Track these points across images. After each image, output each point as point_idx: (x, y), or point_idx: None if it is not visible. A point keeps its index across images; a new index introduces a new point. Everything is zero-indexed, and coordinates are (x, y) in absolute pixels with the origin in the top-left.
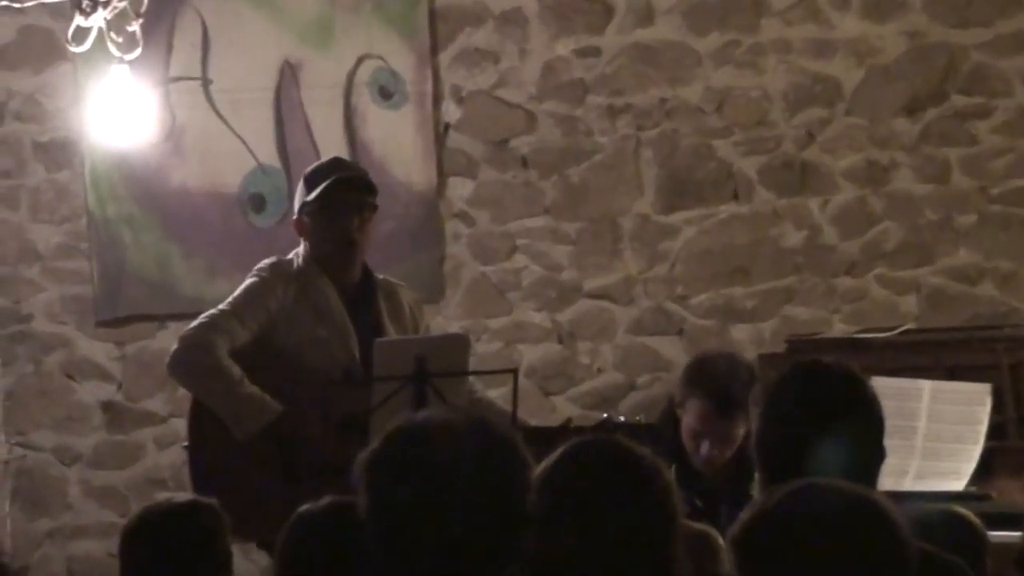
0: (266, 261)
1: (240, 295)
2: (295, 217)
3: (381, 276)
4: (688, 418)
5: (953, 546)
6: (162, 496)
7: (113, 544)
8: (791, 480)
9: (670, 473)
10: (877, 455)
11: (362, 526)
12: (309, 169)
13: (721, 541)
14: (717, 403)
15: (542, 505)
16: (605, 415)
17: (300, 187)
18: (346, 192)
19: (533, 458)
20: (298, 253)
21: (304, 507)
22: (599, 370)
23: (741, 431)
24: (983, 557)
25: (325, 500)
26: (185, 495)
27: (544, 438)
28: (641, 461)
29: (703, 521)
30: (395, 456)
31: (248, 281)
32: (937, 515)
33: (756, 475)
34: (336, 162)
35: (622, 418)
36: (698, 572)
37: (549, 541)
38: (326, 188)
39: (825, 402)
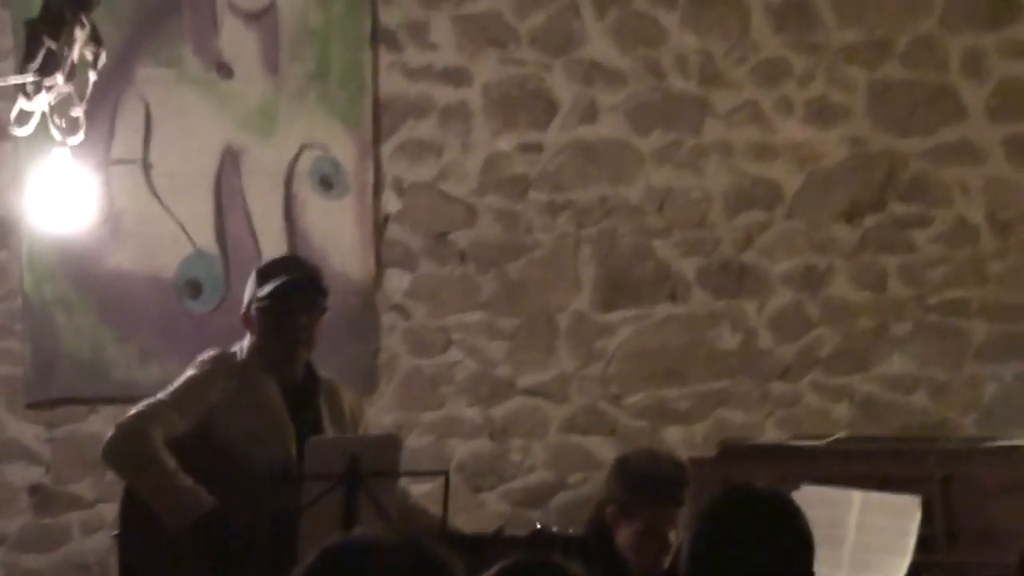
0: (209, 352)
1: (180, 386)
2: (243, 310)
3: (323, 375)
4: (636, 523)
5: None
6: None
7: None
8: None
9: None
10: None
11: None
12: (263, 264)
13: None
14: (669, 499)
15: None
16: (538, 526)
17: (251, 280)
18: (297, 292)
19: (464, 569)
20: (242, 347)
21: None
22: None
23: (675, 540)
24: None
25: None
26: None
27: (475, 547)
28: None
29: None
30: (328, 573)
31: (189, 372)
32: None
33: None
34: (289, 260)
35: (555, 529)
36: None
37: None
38: (277, 287)
39: (756, 529)
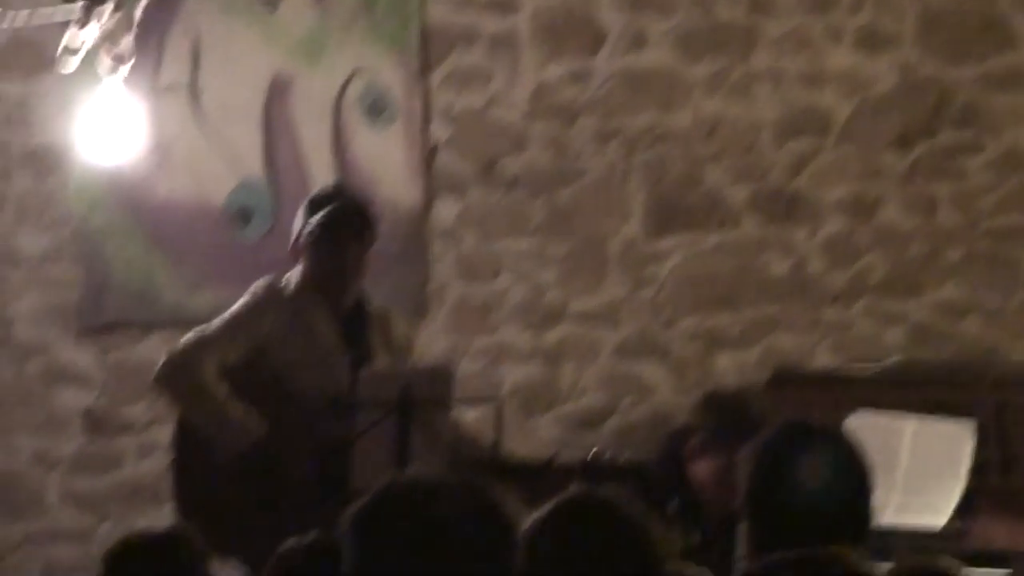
0: (261, 282)
1: (232, 315)
2: (293, 241)
3: (375, 304)
4: (722, 459)
5: None
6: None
7: (89, 550)
8: (777, 537)
9: (659, 528)
10: (865, 521)
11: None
12: (312, 194)
13: None
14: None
15: (529, 565)
16: (593, 451)
17: (301, 211)
18: (346, 221)
19: (516, 496)
20: (294, 276)
21: (288, 544)
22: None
23: None
24: None
25: (309, 536)
26: (163, 526)
27: (529, 475)
28: (629, 520)
29: (705, 554)
30: (383, 513)
31: (241, 301)
32: (923, 570)
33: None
34: (339, 190)
35: (608, 455)
36: None
37: None
38: (326, 216)
39: (814, 468)
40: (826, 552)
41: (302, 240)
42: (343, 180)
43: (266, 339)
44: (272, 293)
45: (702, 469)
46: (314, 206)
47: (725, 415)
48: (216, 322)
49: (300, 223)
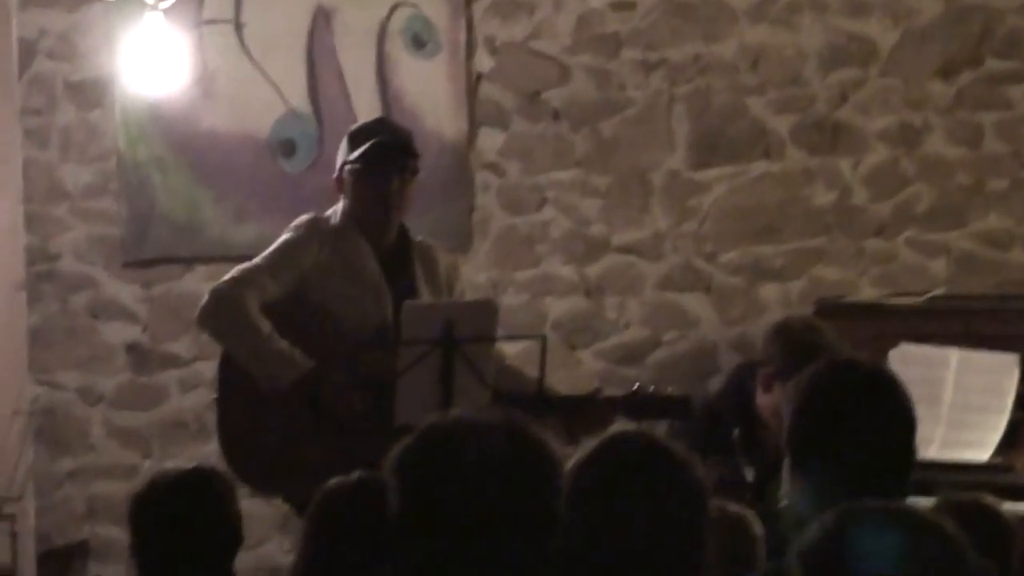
0: (303, 217)
1: (275, 251)
2: (335, 174)
3: (419, 238)
4: (778, 399)
5: (980, 542)
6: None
7: (134, 485)
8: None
9: (702, 467)
10: (909, 458)
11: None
12: (353, 127)
13: (756, 524)
14: None
15: (572, 505)
16: (636, 385)
17: (343, 144)
18: (388, 154)
19: (562, 429)
20: (336, 210)
21: (333, 482)
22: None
23: None
24: (1010, 554)
25: (354, 475)
26: (189, 463)
27: (573, 408)
28: (672, 458)
29: (760, 488)
30: (427, 455)
31: (284, 236)
32: (965, 507)
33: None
34: (381, 123)
35: (652, 388)
36: (731, 555)
37: (579, 541)
38: (368, 149)
39: (858, 407)
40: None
41: (344, 173)
42: (386, 113)
43: (309, 274)
44: (314, 228)
45: (770, 399)
46: (356, 139)
47: (795, 345)
48: (258, 258)
49: (342, 156)
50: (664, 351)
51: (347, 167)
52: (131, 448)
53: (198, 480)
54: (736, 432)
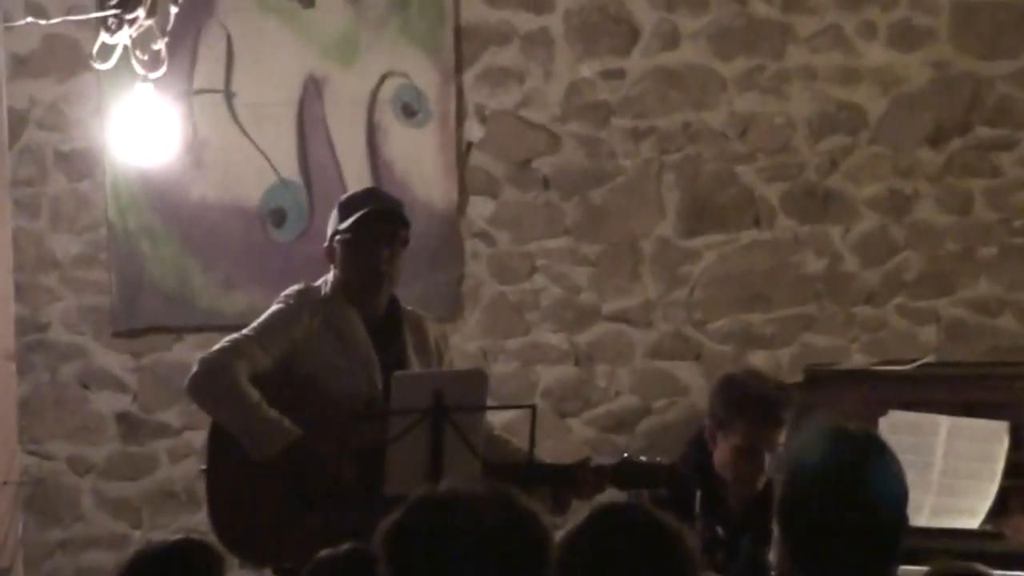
0: (293, 288)
1: (265, 321)
2: (326, 244)
3: (408, 308)
4: (733, 439)
5: None
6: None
7: (123, 555)
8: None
9: (694, 539)
10: (900, 525)
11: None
12: (344, 197)
13: None
14: (767, 417)
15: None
16: (625, 455)
17: (334, 214)
18: (379, 224)
19: (550, 498)
20: (327, 280)
21: (323, 553)
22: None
23: (781, 439)
24: None
25: (344, 546)
26: (177, 535)
27: (561, 478)
28: (665, 531)
29: (723, 549)
30: (417, 528)
31: (274, 307)
32: (956, 572)
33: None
34: (371, 192)
35: (643, 458)
36: None
37: None
38: (359, 219)
39: (849, 472)
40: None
41: (334, 243)
42: (376, 182)
43: (299, 345)
44: (304, 298)
45: (720, 453)
46: (346, 208)
47: (737, 395)
48: (248, 328)
49: (332, 226)
50: (654, 419)
51: (337, 237)
52: (121, 518)
53: (185, 552)
54: (698, 494)
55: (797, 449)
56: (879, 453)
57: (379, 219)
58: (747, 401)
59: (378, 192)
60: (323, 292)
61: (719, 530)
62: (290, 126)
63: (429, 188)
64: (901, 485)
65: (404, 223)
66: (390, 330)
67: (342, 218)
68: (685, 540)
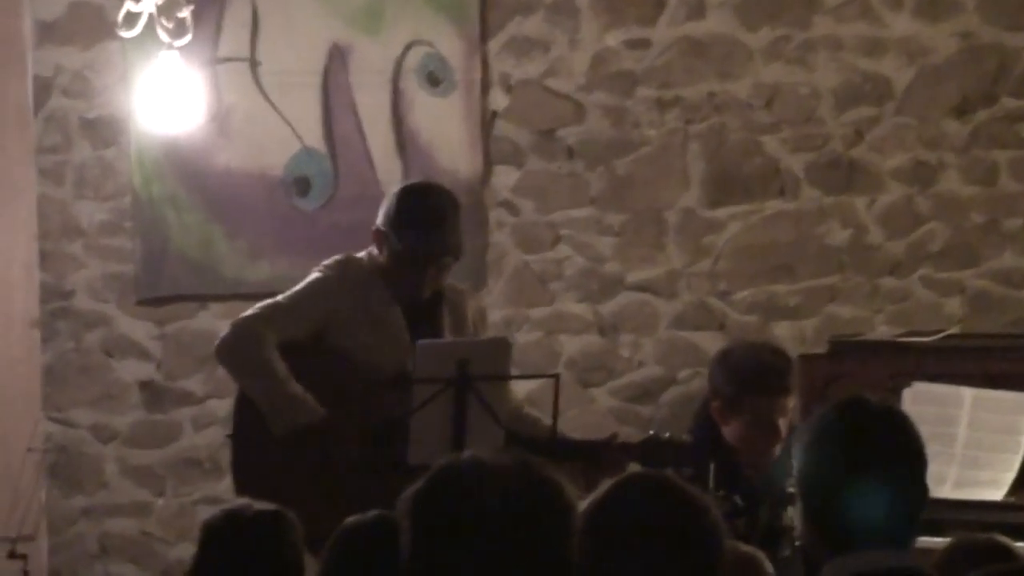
0: (335, 258)
1: (302, 290)
2: (377, 227)
3: (449, 283)
4: (743, 416)
5: None
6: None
7: (147, 523)
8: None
9: (718, 511)
10: (920, 497)
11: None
12: (407, 194)
13: (768, 564)
14: (775, 388)
15: (586, 548)
16: (651, 432)
17: (391, 201)
18: (432, 247)
19: (576, 474)
20: (371, 253)
21: (351, 520)
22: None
23: (783, 431)
24: None
25: (372, 513)
26: (267, 505)
27: (587, 453)
28: (690, 502)
29: (743, 520)
30: (439, 498)
31: (313, 276)
32: (980, 547)
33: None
34: (433, 209)
35: (668, 435)
36: None
37: None
38: (421, 247)
39: (870, 445)
40: None
41: (385, 235)
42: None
43: (332, 317)
44: (344, 271)
45: (731, 430)
46: (406, 216)
47: (740, 372)
48: (284, 296)
49: (386, 215)
50: (678, 389)
51: (390, 233)
52: (144, 486)
53: (272, 523)
54: (712, 468)
55: (817, 419)
56: (898, 423)
57: (438, 248)
58: (750, 376)
59: (439, 208)
60: (364, 266)
61: (737, 500)
62: (315, 95)
63: (453, 157)
64: (921, 457)
65: (459, 249)
66: (428, 311)
67: (399, 216)
68: (710, 512)
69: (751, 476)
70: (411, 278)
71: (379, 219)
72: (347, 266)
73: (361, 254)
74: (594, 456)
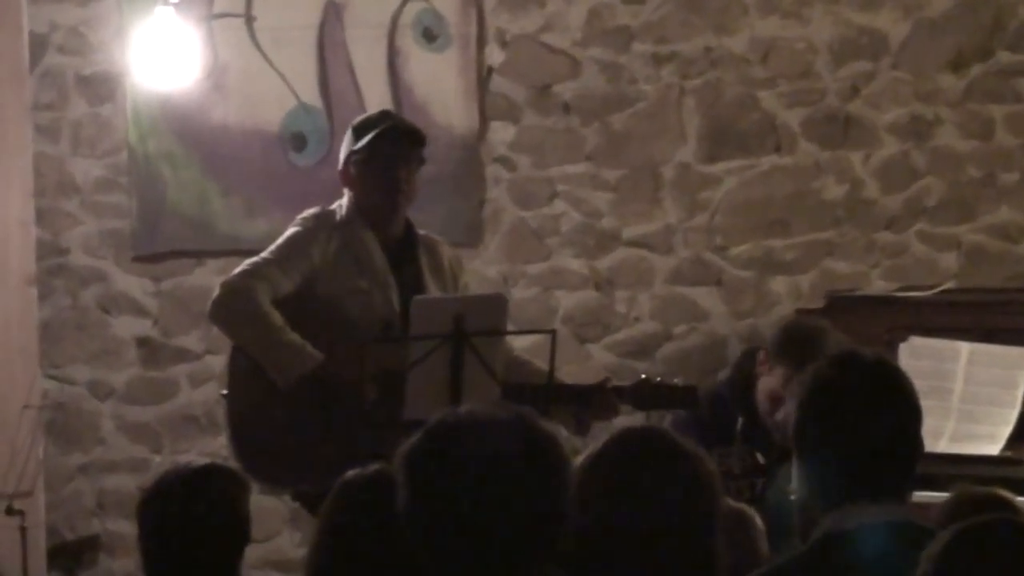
0: (310, 211)
1: (283, 243)
2: (340, 167)
3: (422, 231)
4: (772, 381)
5: None
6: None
7: (144, 479)
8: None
9: (713, 464)
10: (915, 450)
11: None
12: (358, 119)
13: (758, 519)
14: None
15: (581, 502)
16: (643, 375)
17: (347, 136)
18: (394, 143)
19: (570, 419)
20: (342, 204)
21: (350, 474)
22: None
23: None
24: None
25: (372, 468)
26: (202, 459)
27: (581, 397)
28: (685, 455)
29: (762, 478)
30: (435, 451)
31: (291, 230)
32: (980, 501)
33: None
34: (386, 114)
35: (659, 378)
36: (734, 549)
37: (588, 537)
38: (374, 138)
39: (863, 402)
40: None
41: (350, 165)
42: (396, 106)
43: (317, 267)
44: (321, 221)
45: (763, 383)
46: (361, 130)
47: (797, 339)
48: (267, 251)
49: (347, 148)
50: (674, 345)
51: (353, 158)
52: (141, 443)
53: (209, 476)
54: (740, 422)
55: (811, 373)
56: (892, 377)
57: (394, 138)
58: (797, 352)
59: (392, 113)
60: (339, 215)
61: (759, 457)
62: (310, 50)
63: (449, 113)
64: (915, 410)
65: (419, 142)
66: (406, 252)
67: (356, 139)
68: (705, 465)
69: (777, 436)
70: (384, 186)
71: (341, 161)
72: (323, 215)
73: (333, 206)
74: (587, 400)
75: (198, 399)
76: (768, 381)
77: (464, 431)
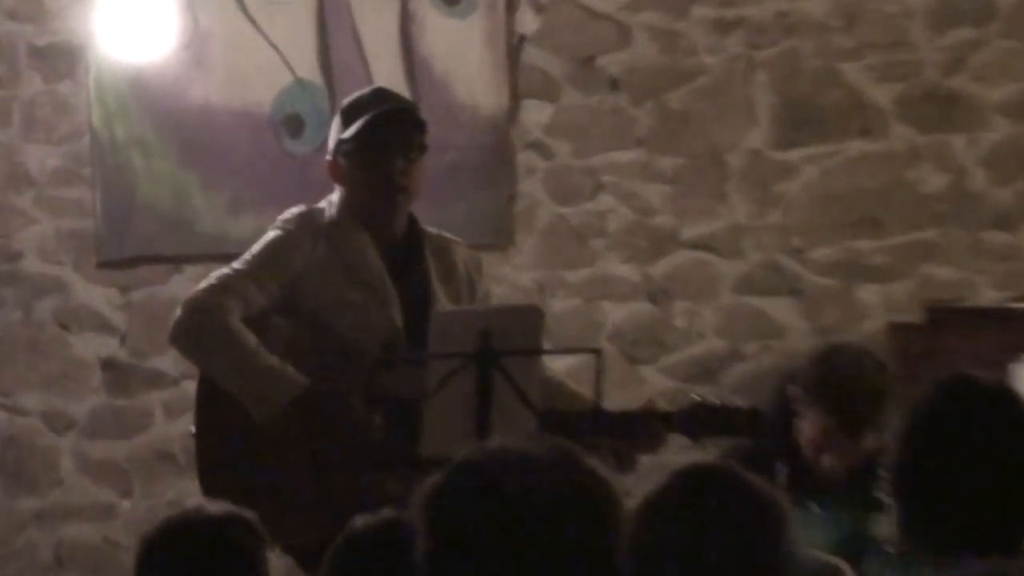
0: (292, 211)
1: (258, 251)
2: (329, 158)
3: (433, 230)
4: (808, 427)
5: None
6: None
7: (110, 528)
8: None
9: (788, 505)
10: None
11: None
12: (346, 101)
13: (851, 574)
14: (840, 421)
15: (636, 551)
16: (695, 397)
17: (335, 122)
18: (390, 129)
19: (608, 450)
20: (331, 201)
21: (356, 521)
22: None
23: (870, 444)
24: None
25: (382, 515)
26: (219, 505)
27: (625, 425)
28: (759, 498)
29: (822, 528)
30: (463, 494)
31: (269, 234)
32: None
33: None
34: (378, 93)
35: (718, 402)
36: None
37: None
38: (365, 124)
39: (979, 432)
40: None
41: (338, 156)
42: (411, 84)
43: (300, 277)
44: (305, 222)
45: (803, 433)
46: (350, 114)
47: (831, 380)
48: (239, 261)
49: (335, 136)
50: (744, 366)
51: (341, 148)
52: (107, 484)
53: (221, 528)
54: (783, 469)
55: (916, 404)
56: (1012, 406)
57: (389, 123)
58: (823, 396)
59: (385, 91)
60: (327, 215)
61: (815, 508)
62: (309, 16)
63: (474, 91)
64: None
65: (419, 126)
66: (410, 257)
67: (345, 125)
68: (782, 508)
69: (829, 479)
70: (379, 181)
71: (329, 151)
72: (308, 216)
73: (321, 204)
74: (628, 428)
75: (174, 432)
76: (805, 428)
77: (497, 470)
